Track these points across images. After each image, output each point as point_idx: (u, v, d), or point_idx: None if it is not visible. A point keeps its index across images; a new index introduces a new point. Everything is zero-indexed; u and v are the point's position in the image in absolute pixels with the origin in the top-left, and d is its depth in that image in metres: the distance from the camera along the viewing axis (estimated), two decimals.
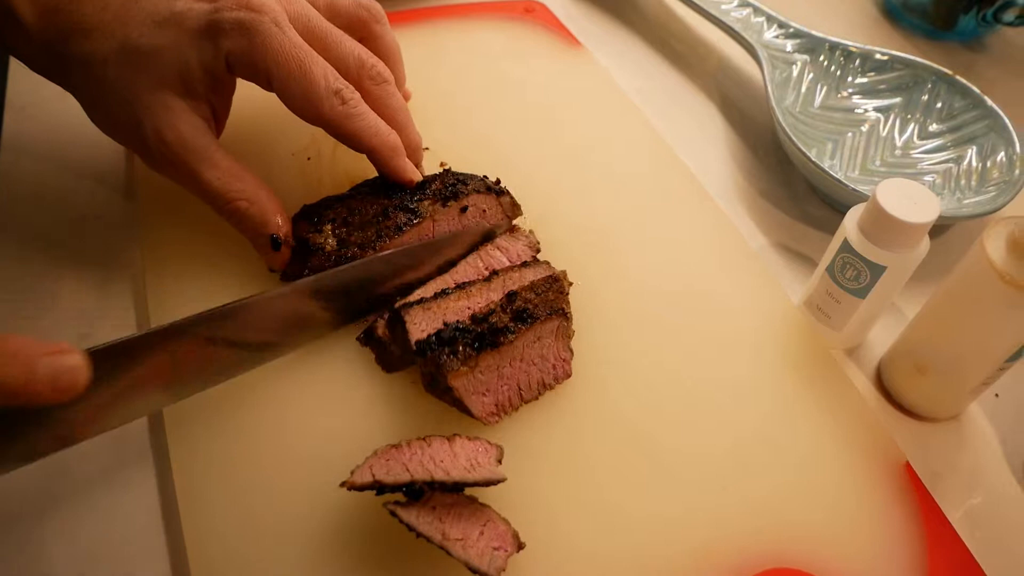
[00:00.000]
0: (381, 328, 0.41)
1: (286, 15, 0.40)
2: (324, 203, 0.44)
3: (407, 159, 0.43)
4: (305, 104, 0.40)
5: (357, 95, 0.41)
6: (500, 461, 0.36)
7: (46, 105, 0.52)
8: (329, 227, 0.42)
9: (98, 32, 0.39)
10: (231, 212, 0.40)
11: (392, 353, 0.40)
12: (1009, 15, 0.67)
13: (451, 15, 0.63)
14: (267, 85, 0.40)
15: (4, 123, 0.52)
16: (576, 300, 0.43)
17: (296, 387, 0.39)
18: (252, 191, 0.40)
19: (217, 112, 0.42)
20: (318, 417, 0.39)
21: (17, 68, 0.54)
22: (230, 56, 0.39)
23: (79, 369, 0.28)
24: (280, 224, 0.41)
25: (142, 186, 0.47)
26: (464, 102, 0.55)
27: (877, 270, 0.40)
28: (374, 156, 0.42)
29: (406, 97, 0.53)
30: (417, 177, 0.44)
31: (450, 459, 0.35)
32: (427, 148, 0.46)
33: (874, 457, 0.40)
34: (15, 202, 0.48)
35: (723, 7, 0.64)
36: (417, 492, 0.32)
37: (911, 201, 0.38)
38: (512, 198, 0.46)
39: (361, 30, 0.46)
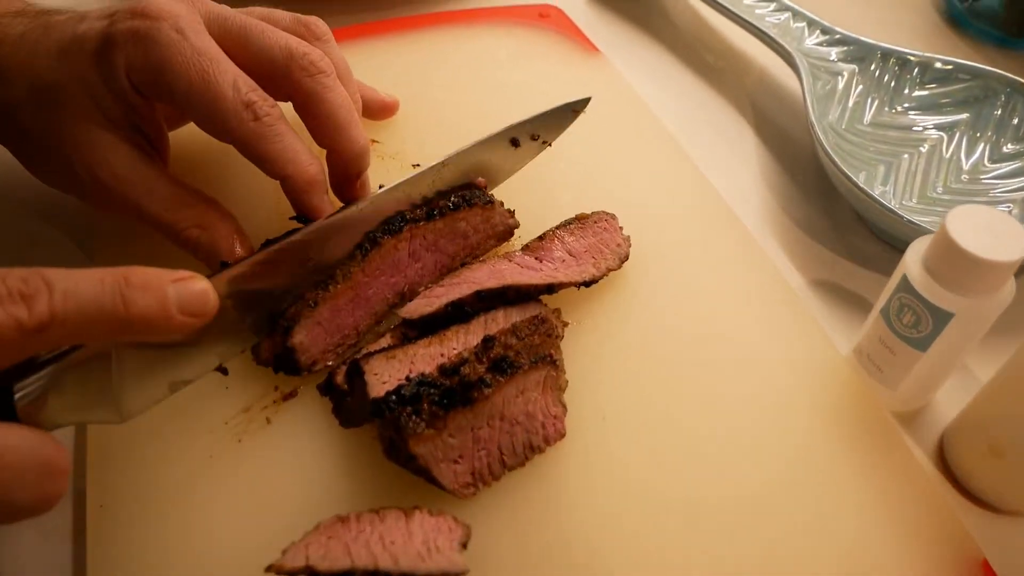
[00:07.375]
0: (340, 376, 0.35)
1: (197, 17, 0.35)
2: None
3: (323, 196, 0.37)
4: (209, 119, 0.35)
5: (276, 110, 0.36)
6: (465, 545, 0.31)
7: None
8: None
9: (11, 74, 0.36)
10: (184, 242, 0.37)
11: (350, 406, 0.35)
12: None
13: (460, 21, 0.61)
14: (173, 101, 0.35)
15: None
16: (576, 344, 0.38)
17: (236, 438, 0.35)
18: (202, 216, 0.37)
19: (151, 136, 0.37)
20: (260, 473, 0.34)
21: None
22: (130, 73, 0.35)
23: (207, 292, 0.28)
24: (235, 248, 0.37)
25: None
26: (472, 110, 0.52)
27: (942, 317, 0.33)
28: (286, 186, 0.37)
29: (392, 107, 0.49)
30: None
31: (403, 540, 0.30)
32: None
33: (941, 549, 0.33)
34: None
35: (758, 11, 0.59)
36: None
37: (991, 234, 0.32)
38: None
39: None
